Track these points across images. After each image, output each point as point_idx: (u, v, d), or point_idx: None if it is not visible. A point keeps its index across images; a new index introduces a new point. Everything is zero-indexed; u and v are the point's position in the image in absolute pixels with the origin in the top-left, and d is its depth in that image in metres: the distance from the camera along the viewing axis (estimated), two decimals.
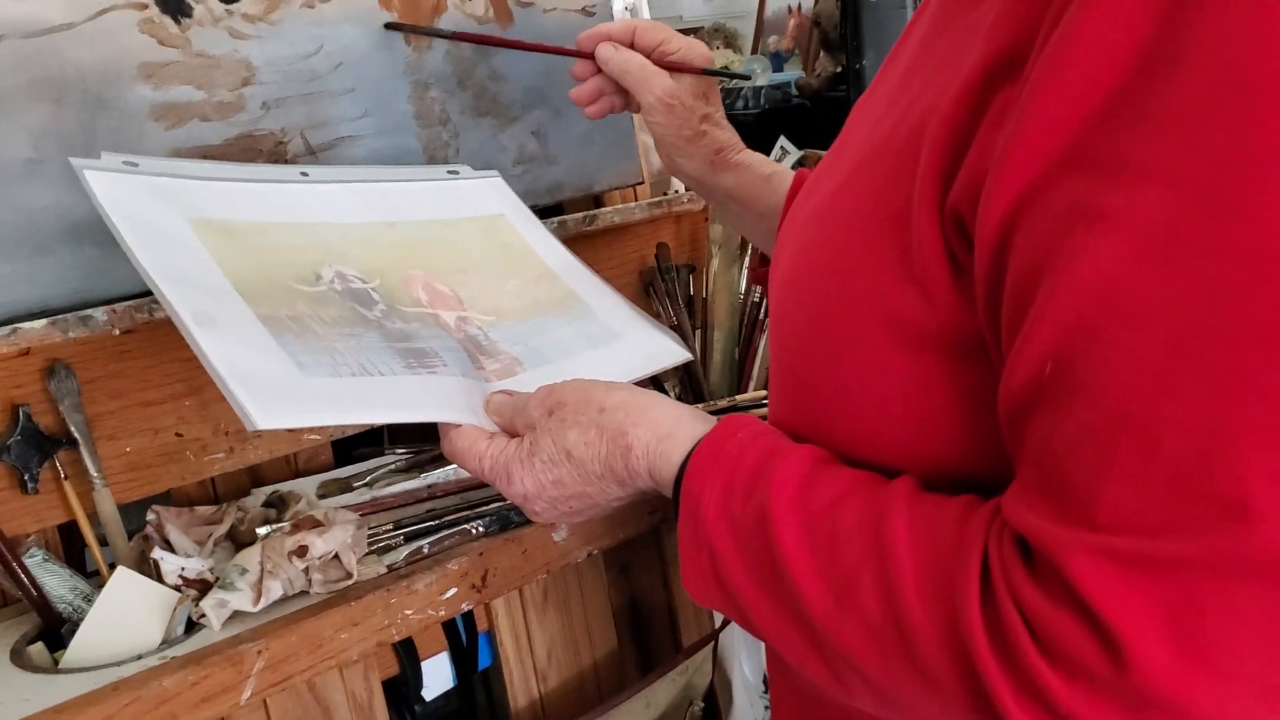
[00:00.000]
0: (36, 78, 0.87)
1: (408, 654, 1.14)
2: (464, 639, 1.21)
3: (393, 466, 1.02)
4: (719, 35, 3.38)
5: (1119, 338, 0.47)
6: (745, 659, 1.32)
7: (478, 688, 1.24)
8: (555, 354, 0.83)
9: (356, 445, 1.15)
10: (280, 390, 0.66)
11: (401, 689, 1.14)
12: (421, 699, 1.16)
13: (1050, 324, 0.49)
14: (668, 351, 0.89)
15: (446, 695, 1.22)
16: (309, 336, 0.72)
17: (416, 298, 0.82)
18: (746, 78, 1.03)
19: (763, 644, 1.29)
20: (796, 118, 2.53)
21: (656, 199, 1.26)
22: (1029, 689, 0.50)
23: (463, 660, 1.22)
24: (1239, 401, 0.45)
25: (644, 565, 1.34)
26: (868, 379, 0.59)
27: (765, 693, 1.30)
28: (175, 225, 0.74)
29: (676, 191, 1.32)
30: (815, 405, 0.63)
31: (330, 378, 0.69)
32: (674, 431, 0.66)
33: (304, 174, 0.90)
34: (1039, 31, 0.50)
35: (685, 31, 1.10)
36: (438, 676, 1.20)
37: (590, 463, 0.69)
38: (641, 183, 1.27)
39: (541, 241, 0.97)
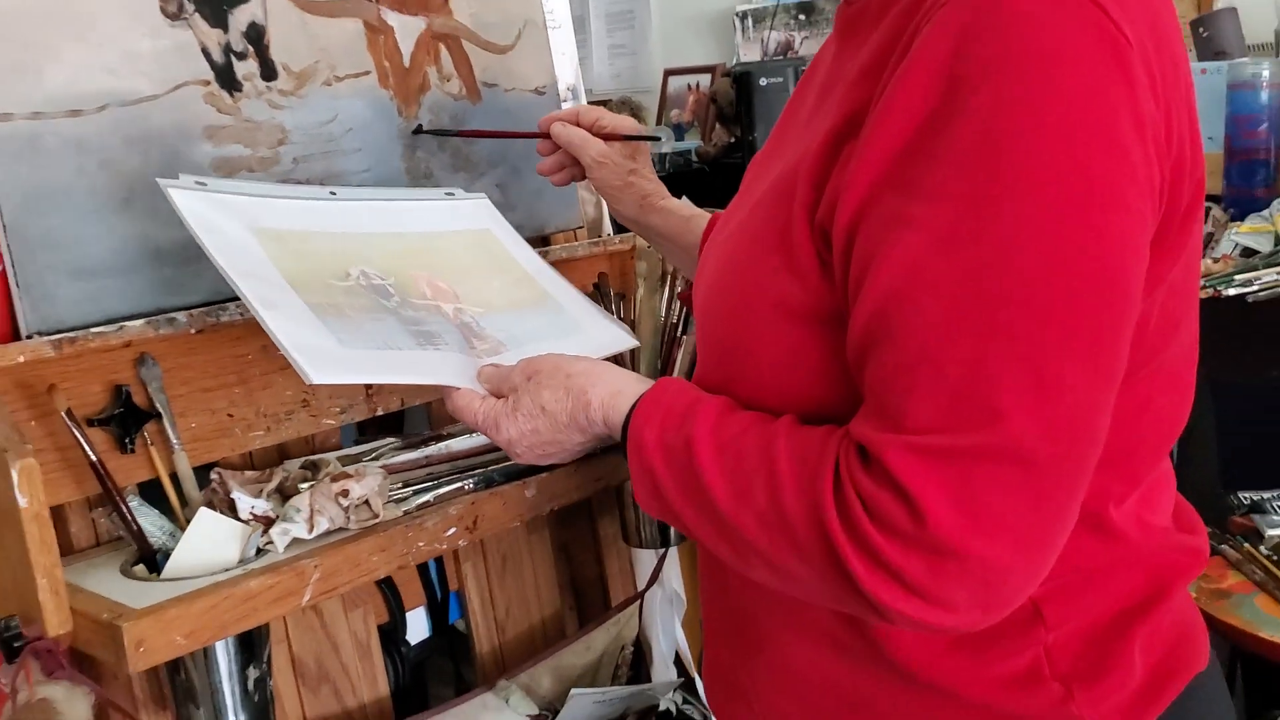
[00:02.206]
0: (130, 136, 1.08)
1: (396, 603, 1.35)
2: (439, 596, 1.42)
3: (394, 444, 1.24)
4: (625, 107, 3.64)
5: (917, 301, 0.65)
6: (661, 618, 1.55)
7: (451, 636, 1.45)
8: (531, 338, 1.05)
9: (359, 433, 1.36)
10: (327, 356, 0.89)
11: (391, 633, 1.35)
12: (406, 642, 1.37)
13: (875, 293, 0.67)
14: (619, 339, 1.14)
15: (424, 643, 1.42)
16: (345, 319, 0.94)
17: (422, 291, 1.05)
18: (657, 139, 1.29)
19: (677, 607, 1.53)
20: (697, 180, 2.80)
21: (594, 239, 1.51)
22: (863, 546, 0.66)
23: (438, 614, 1.43)
24: (995, 342, 0.63)
25: (581, 545, 1.56)
26: (764, 346, 0.77)
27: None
28: (239, 232, 0.97)
29: (609, 234, 1.56)
30: (728, 368, 0.81)
31: (363, 349, 0.92)
32: (622, 390, 0.85)
33: (332, 193, 1.13)
34: (871, 103, 0.69)
35: (596, 103, 1.36)
36: (417, 627, 1.41)
37: (559, 415, 0.87)
38: (581, 227, 1.51)
39: (520, 251, 1.21)
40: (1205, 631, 0.86)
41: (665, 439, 0.78)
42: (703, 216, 1.20)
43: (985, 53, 0.63)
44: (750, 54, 3.21)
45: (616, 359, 1.10)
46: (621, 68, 3.66)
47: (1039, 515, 0.65)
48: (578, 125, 1.21)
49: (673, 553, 1.56)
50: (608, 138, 1.21)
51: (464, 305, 1.07)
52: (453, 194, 1.26)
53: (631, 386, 0.86)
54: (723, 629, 0.93)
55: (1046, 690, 0.76)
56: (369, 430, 1.36)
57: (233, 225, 0.98)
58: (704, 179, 2.82)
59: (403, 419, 1.45)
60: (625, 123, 1.22)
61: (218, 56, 1.16)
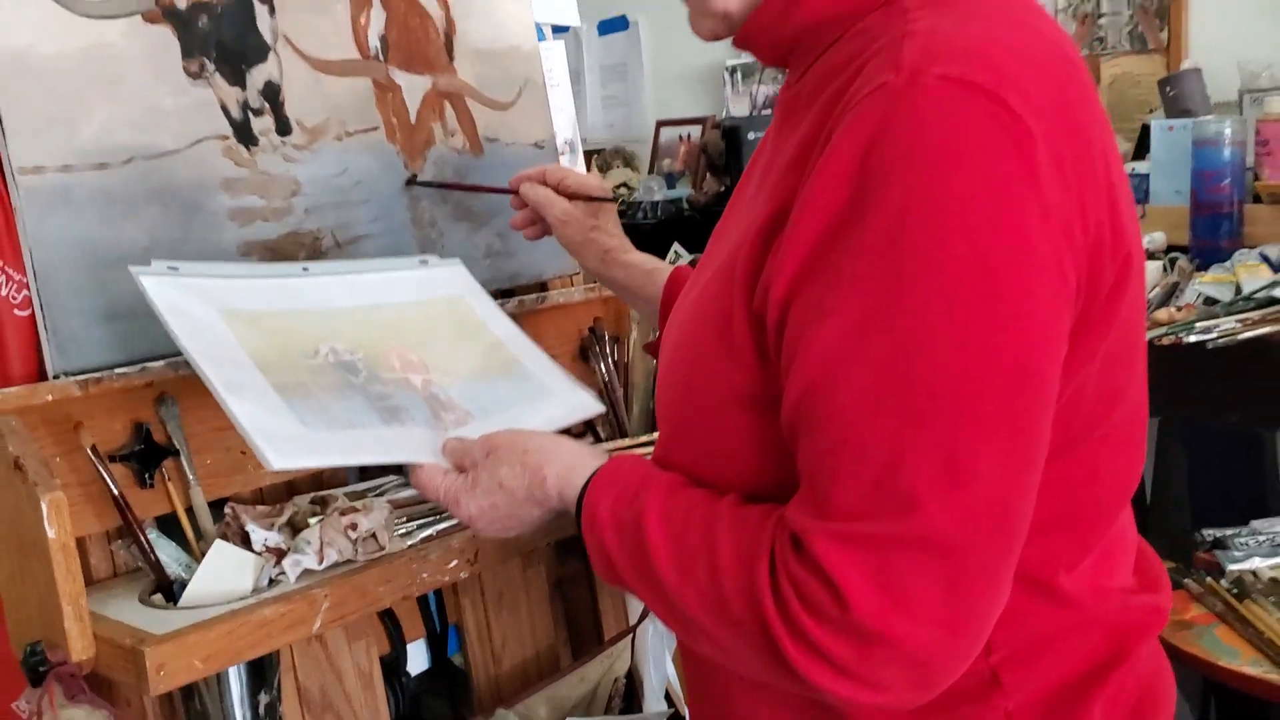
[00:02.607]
0: (153, 188, 1.14)
1: (398, 635, 1.39)
2: (439, 628, 1.46)
3: (397, 481, 1.28)
4: (619, 156, 3.71)
5: (836, 390, 0.67)
6: (653, 652, 1.59)
7: (449, 668, 1.48)
8: (499, 407, 1.07)
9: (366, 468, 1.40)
10: (288, 440, 0.92)
11: (393, 664, 1.38)
12: (407, 673, 1.40)
13: (799, 381, 0.69)
14: (587, 405, 1.16)
15: (423, 674, 1.45)
16: (310, 399, 0.96)
17: (392, 365, 1.07)
18: (613, 200, 1.32)
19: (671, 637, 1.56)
20: (688, 227, 2.86)
21: (589, 285, 1.56)
22: (795, 629, 0.68)
23: (437, 646, 1.46)
24: (909, 431, 0.65)
25: (575, 580, 1.60)
26: (710, 428, 0.79)
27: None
28: (209, 315, 0.99)
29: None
30: (681, 443, 0.83)
31: (326, 430, 0.94)
32: (576, 465, 0.86)
33: (305, 269, 1.14)
34: (797, 192, 0.71)
35: (591, 152, 1.41)
36: (417, 659, 1.45)
37: (517, 490, 0.88)
38: (578, 273, 1.57)
39: (492, 316, 1.23)
40: (1171, 687, 0.86)
41: (617, 516, 0.80)
42: (663, 270, 1.23)
43: (892, 151, 0.65)
44: (739, 107, 3.29)
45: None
46: (615, 118, 3.73)
47: (959, 599, 0.67)
48: (544, 184, 1.26)
49: None
50: (571, 197, 1.25)
51: (433, 377, 1.08)
52: (426, 261, 1.27)
53: (585, 462, 0.86)
54: (695, 684, 0.95)
55: None
56: (370, 468, 1.40)
57: (203, 309, 1.00)
58: (695, 225, 2.88)
59: None
60: (589, 182, 1.26)
61: (236, 113, 1.21)
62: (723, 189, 2.94)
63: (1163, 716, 0.84)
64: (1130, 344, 0.79)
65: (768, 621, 0.69)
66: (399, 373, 1.06)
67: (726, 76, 3.31)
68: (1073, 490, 0.75)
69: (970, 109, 0.65)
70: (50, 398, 1.01)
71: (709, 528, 0.74)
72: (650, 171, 3.54)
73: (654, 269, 1.23)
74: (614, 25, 3.62)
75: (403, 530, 1.14)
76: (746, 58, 3.27)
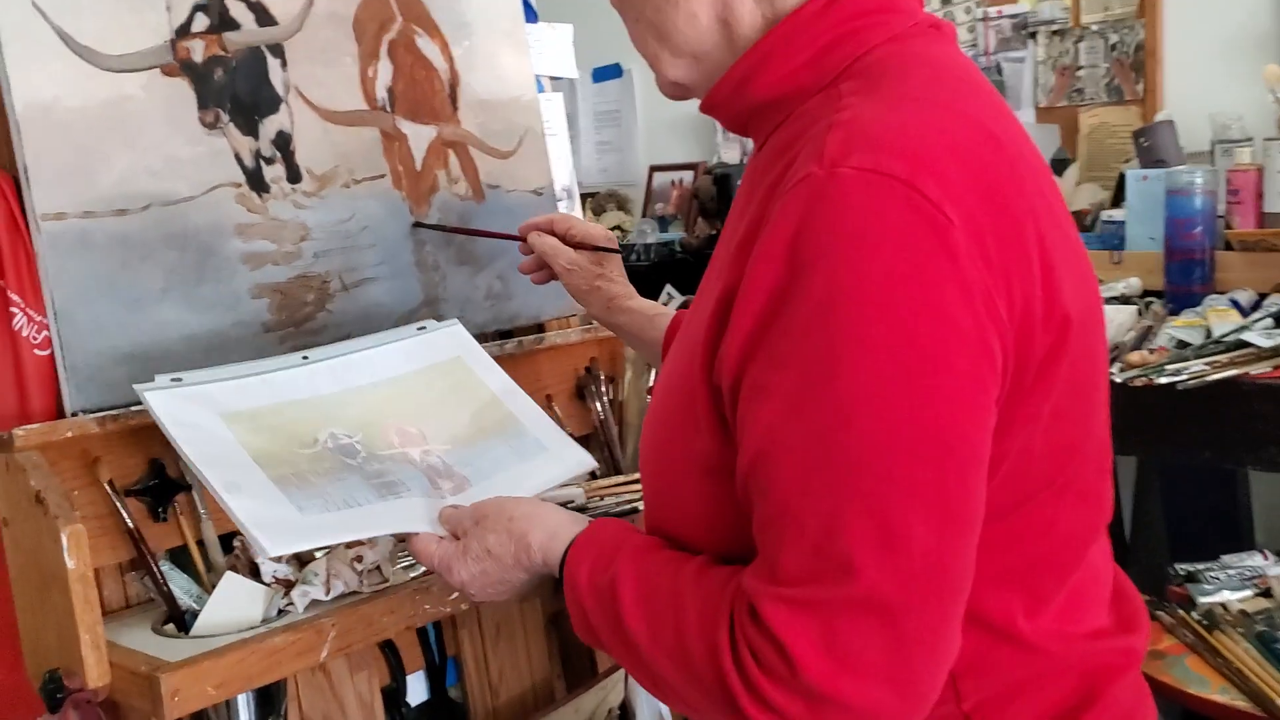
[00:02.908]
0: (170, 233, 1.18)
1: (398, 666, 1.41)
2: (438, 660, 1.49)
3: None
4: (613, 199, 3.77)
5: (777, 461, 0.70)
6: (645, 690, 1.61)
7: (447, 700, 1.51)
8: (494, 470, 1.12)
9: None
10: (285, 527, 0.97)
11: (393, 695, 1.41)
12: (407, 704, 1.43)
13: (746, 454, 0.73)
14: (581, 462, 1.22)
15: (422, 706, 1.48)
16: (307, 486, 1.02)
17: (390, 440, 1.11)
18: (617, 251, 1.36)
19: None
20: (681, 269, 2.91)
21: (586, 326, 1.60)
22: (752, 689, 0.71)
23: (436, 678, 1.49)
24: (843, 499, 0.68)
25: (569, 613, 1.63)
26: (680, 493, 0.83)
27: None
28: (210, 421, 1.04)
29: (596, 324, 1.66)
30: (659, 506, 0.87)
31: (321, 513, 0.99)
32: (558, 532, 0.89)
33: (304, 357, 1.17)
34: (743, 272, 0.74)
35: (585, 195, 1.46)
36: (416, 690, 1.47)
37: (505, 557, 0.92)
38: (575, 315, 1.61)
39: (488, 374, 1.27)
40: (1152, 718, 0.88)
41: (594, 579, 0.83)
42: (665, 315, 1.28)
43: (817, 237, 0.69)
44: (730, 153, 3.36)
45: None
46: (609, 163, 3.79)
47: (903, 658, 0.69)
48: (552, 233, 1.30)
49: None
50: (577, 246, 1.29)
51: (431, 446, 1.13)
52: (424, 328, 1.30)
53: (567, 528, 0.90)
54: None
55: None
56: None
57: (204, 415, 1.05)
58: (688, 267, 2.93)
59: None
60: (595, 231, 1.31)
61: (249, 161, 1.26)
62: (714, 232, 3.00)
63: None
64: (1081, 400, 0.80)
65: (727, 681, 0.72)
66: (398, 447, 1.11)
67: (717, 124, 3.37)
68: (1029, 543, 0.78)
69: (886, 197, 0.68)
70: (70, 434, 1.04)
71: (676, 592, 0.78)
72: (643, 215, 3.60)
73: (656, 315, 1.27)
74: (608, 73, 3.69)
75: (405, 563, 1.17)
76: None
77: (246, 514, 0.96)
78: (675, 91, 0.90)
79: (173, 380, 1.07)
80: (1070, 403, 0.78)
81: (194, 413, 1.04)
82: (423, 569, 1.17)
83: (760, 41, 0.82)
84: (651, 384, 1.58)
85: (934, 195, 0.68)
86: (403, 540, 1.08)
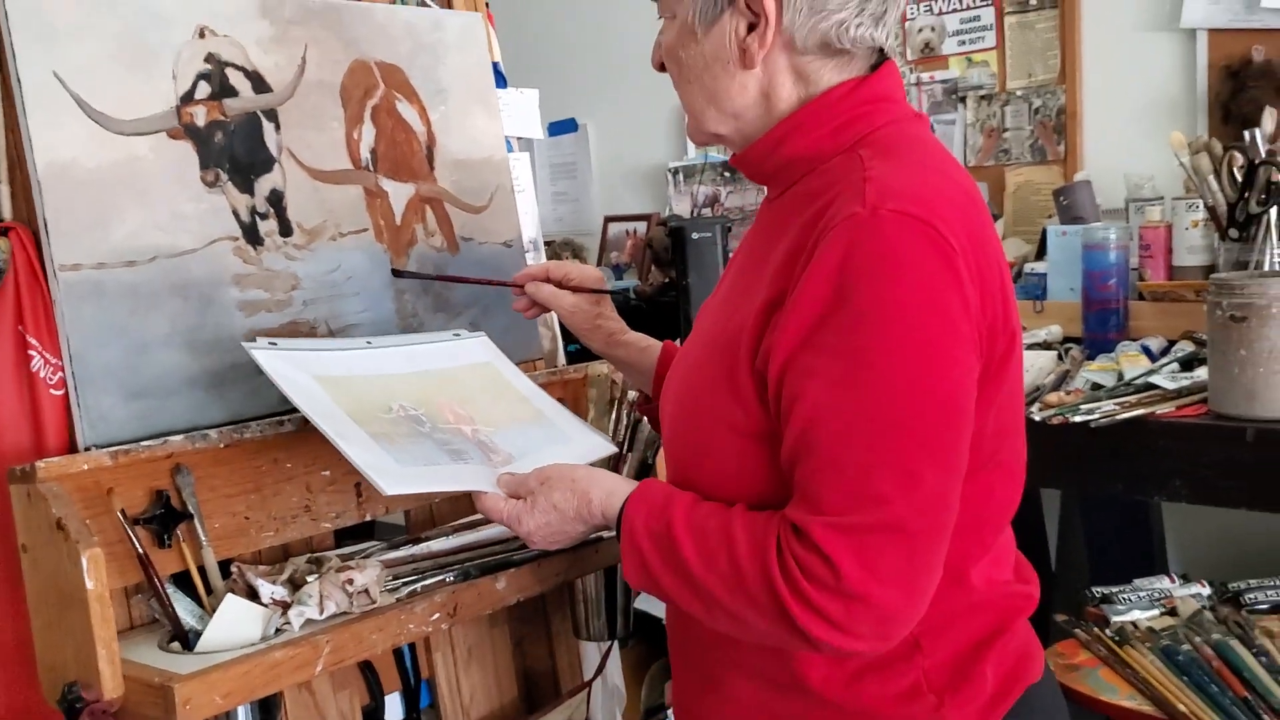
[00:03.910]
0: (174, 282, 1.27)
1: (377, 687, 1.49)
2: (413, 681, 1.57)
3: (380, 546, 1.40)
4: (568, 248, 3.87)
5: (824, 426, 0.92)
6: (604, 705, 1.71)
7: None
8: (533, 449, 1.27)
9: (345, 536, 1.51)
10: (392, 473, 1.11)
11: (372, 714, 1.49)
12: None
13: (798, 421, 0.94)
14: (600, 447, 1.38)
15: None
16: (396, 444, 1.16)
17: (446, 418, 1.26)
18: (614, 293, 1.51)
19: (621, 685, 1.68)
20: (635, 316, 3.00)
21: (551, 369, 1.70)
22: (798, 594, 0.91)
23: (411, 699, 1.57)
24: (876, 451, 0.91)
25: (535, 639, 1.72)
26: (718, 454, 1.03)
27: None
28: (307, 381, 1.17)
29: (563, 364, 1.76)
30: (692, 469, 1.06)
31: (414, 466, 1.14)
32: (615, 490, 1.09)
33: (369, 342, 1.33)
34: (790, 286, 0.96)
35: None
36: (392, 711, 1.55)
37: (567, 510, 1.11)
38: (541, 358, 1.71)
39: (516, 378, 1.44)
40: (1041, 654, 1.10)
41: (650, 525, 1.02)
42: (655, 346, 1.43)
43: (858, 263, 0.91)
44: (681, 204, 3.49)
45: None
46: (564, 213, 3.90)
47: (914, 570, 0.91)
48: (548, 280, 1.42)
49: (615, 649, 1.72)
50: (574, 290, 1.42)
51: (478, 426, 1.28)
52: (459, 335, 1.48)
53: (622, 487, 1.09)
54: (683, 670, 1.16)
55: (924, 701, 1.01)
56: (352, 534, 1.52)
57: (301, 375, 1.20)
58: (640, 314, 3.02)
59: (373, 526, 1.61)
60: (589, 275, 1.44)
61: (245, 217, 1.35)
62: (667, 280, 3.11)
63: (1034, 674, 1.07)
64: (1015, 398, 1.05)
65: (777, 589, 0.91)
66: (453, 424, 1.26)
67: (669, 176, 3.50)
68: (977, 504, 0.99)
69: (913, 232, 0.91)
70: (86, 466, 1.13)
71: (725, 527, 0.97)
72: (598, 263, 3.71)
73: (648, 346, 1.43)
74: (564, 127, 3.81)
75: (390, 586, 1.26)
76: (687, 160, 3.48)
77: (360, 458, 1.10)
78: (709, 140, 1.12)
79: (269, 343, 1.22)
80: (1010, 398, 1.02)
81: (293, 372, 1.19)
82: (407, 591, 1.26)
83: (795, 113, 1.04)
84: (614, 420, 1.69)
85: (944, 232, 0.91)
86: (415, 542, 1.20)
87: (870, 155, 0.98)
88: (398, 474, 1.12)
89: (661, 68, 1.12)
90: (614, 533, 1.07)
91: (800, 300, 0.93)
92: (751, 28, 1.01)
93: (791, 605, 0.91)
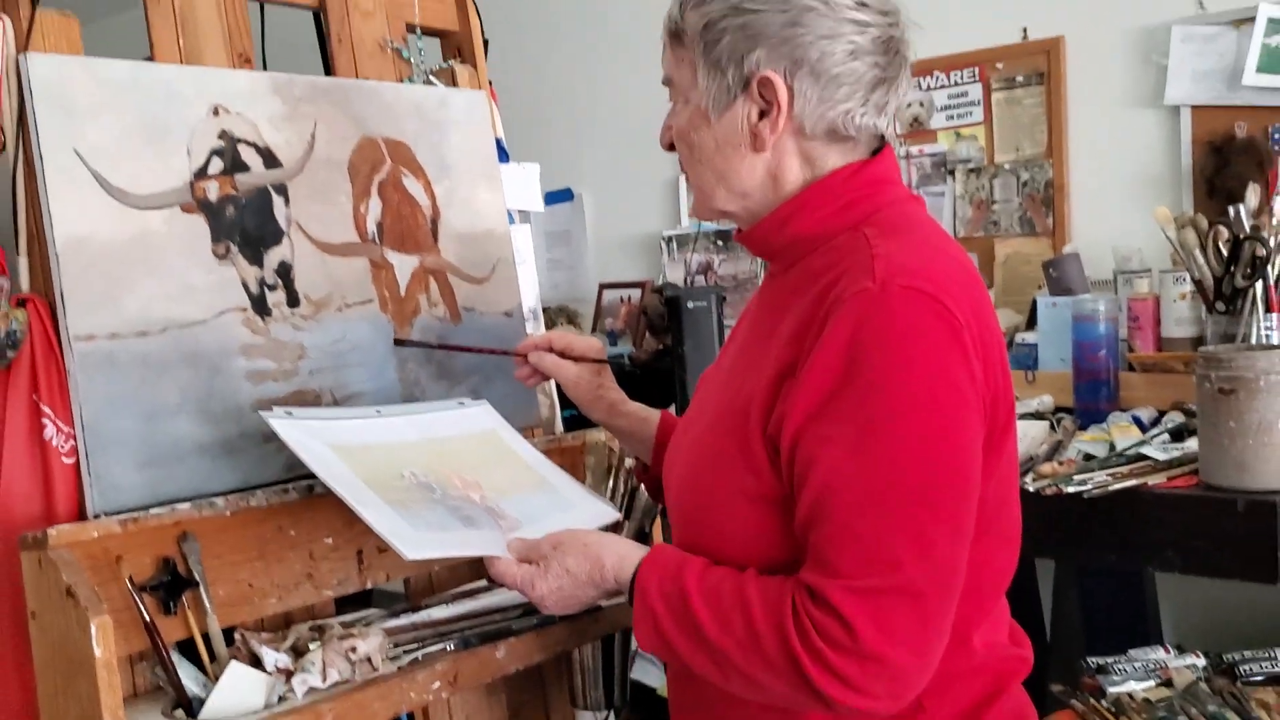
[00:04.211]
0: (184, 353, 1.30)
1: None
2: None
3: (381, 613, 1.41)
4: (563, 314, 3.91)
5: (839, 493, 0.96)
6: None
7: None
8: (539, 515, 1.29)
9: (344, 603, 1.52)
10: (410, 538, 1.14)
11: None
12: None
13: (813, 487, 0.97)
14: (604, 513, 1.40)
15: None
16: (411, 510, 1.19)
17: (455, 485, 1.28)
18: (615, 362, 1.54)
19: None
20: (630, 382, 3.04)
21: (549, 436, 1.73)
22: (815, 655, 0.94)
23: None
24: (890, 517, 0.95)
25: (532, 707, 1.72)
26: (729, 519, 1.06)
27: None
28: (322, 449, 1.21)
29: (560, 432, 1.79)
30: (702, 534, 1.09)
31: (429, 531, 1.17)
32: (627, 554, 1.12)
33: (378, 411, 1.37)
34: (801, 357, 1.00)
35: None
36: None
37: (580, 574, 1.13)
38: (539, 425, 1.74)
39: (520, 445, 1.47)
40: (1035, 716, 1.14)
41: (664, 589, 1.05)
42: (655, 415, 1.46)
43: (871, 335, 0.96)
44: (675, 272, 3.54)
45: None
46: (559, 279, 3.95)
47: (927, 629, 0.95)
48: (550, 350, 1.45)
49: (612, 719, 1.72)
50: (576, 360, 1.45)
51: (486, 493, 1.31)
52: (464, 403, 1.51)
53: (634, 552, 1.12)
54: (681, 702, 1.18)
55: None
56: (351, 601, 1.53)
57: (317, 444, 1.23)
58: (635, 380, 3.06)
59: (371, 594, 1.62)
60: (591, 345, 1.47)
61: (254, 288, 1.39)
62: (661, 347, 3.15)
63: None
64: (1012, 467, 1.10)
65: (794, 651, 0.95)
66: (462, 490, 1.29)
67: (663, 245, 3.56)
68: (978, 570, 1.01)
69: (921, 307, 0.96)
70: (95, 534, 1.15)
71: (739, 590, 1.00)
72: (593, 330, 3.74)
73: (648, 416, 1.46)
74: (560, 196, 3.87)
75: (392, 654, 1.28)
76: (681, 229, 3.54)
77: (380, 524, 1.14)
78: (714, 216, 1.16)
79: (285, 413, 1.26)
80: (1008, 467, 1.08)
81: (310, 440, 1.23)
82: (409, 659, 1.27)
83: (801, 194, 1.09)
84: (611, 488, 1.71)
85: (950, 306, 0.96)
86: (415, 610, 1.20)
87: (875, 234, 1.03)
88: (416, 539, 1.15)
89: (670, 147, 1.17)
90: (625, 597, 1.10)
91: (813, 370, 0.98)
92: (763, 114, 1.07)
93: (808, 666, 0.94)
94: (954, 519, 0.96)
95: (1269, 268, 1.95)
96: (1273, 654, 1.80)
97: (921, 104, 2.98)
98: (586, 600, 1.16)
